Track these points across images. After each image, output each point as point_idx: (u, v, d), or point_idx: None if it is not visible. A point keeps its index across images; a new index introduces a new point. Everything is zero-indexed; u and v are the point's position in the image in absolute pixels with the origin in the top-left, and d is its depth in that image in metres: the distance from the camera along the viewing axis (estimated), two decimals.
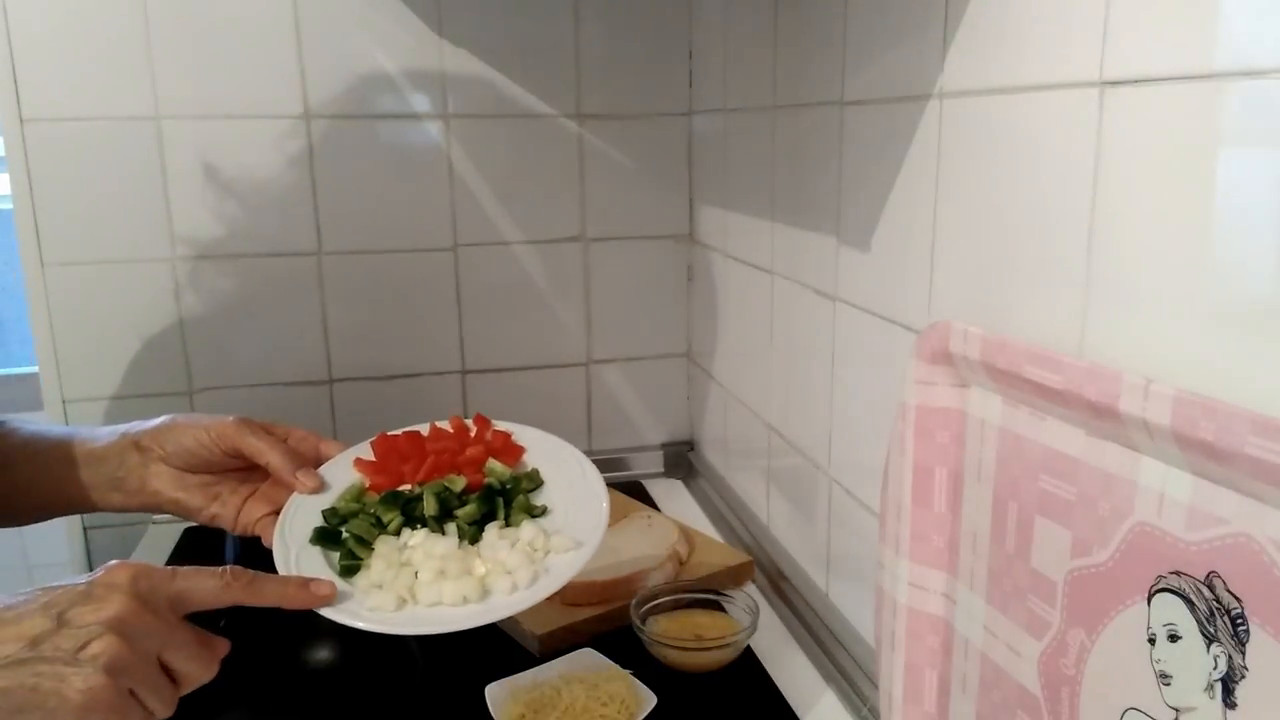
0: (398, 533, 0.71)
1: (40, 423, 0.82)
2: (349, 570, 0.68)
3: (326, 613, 0.64)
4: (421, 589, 0.66)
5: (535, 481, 0.76)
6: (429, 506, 0.71)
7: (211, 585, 0.61)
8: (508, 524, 0.72)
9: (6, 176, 1.14)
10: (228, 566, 0.63)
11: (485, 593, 0.66)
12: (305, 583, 0.65)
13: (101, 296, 1.18)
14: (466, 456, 0.76)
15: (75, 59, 1.12)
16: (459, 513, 0.72)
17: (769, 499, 1.10)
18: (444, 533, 0.71)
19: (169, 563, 1.12)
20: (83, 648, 0.54)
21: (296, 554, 0.69)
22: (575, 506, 0.73)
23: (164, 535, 1.19)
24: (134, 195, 1.16)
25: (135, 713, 0.56)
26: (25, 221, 1.15)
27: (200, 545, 1.16)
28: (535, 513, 0.73)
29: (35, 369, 1.19)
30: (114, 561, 0.59)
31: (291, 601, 0.64)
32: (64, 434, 0.78)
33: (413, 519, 0.72)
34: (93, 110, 1.14)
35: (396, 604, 0.65)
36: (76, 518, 1.24)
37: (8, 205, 1.15)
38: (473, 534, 0.70)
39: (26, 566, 1.67)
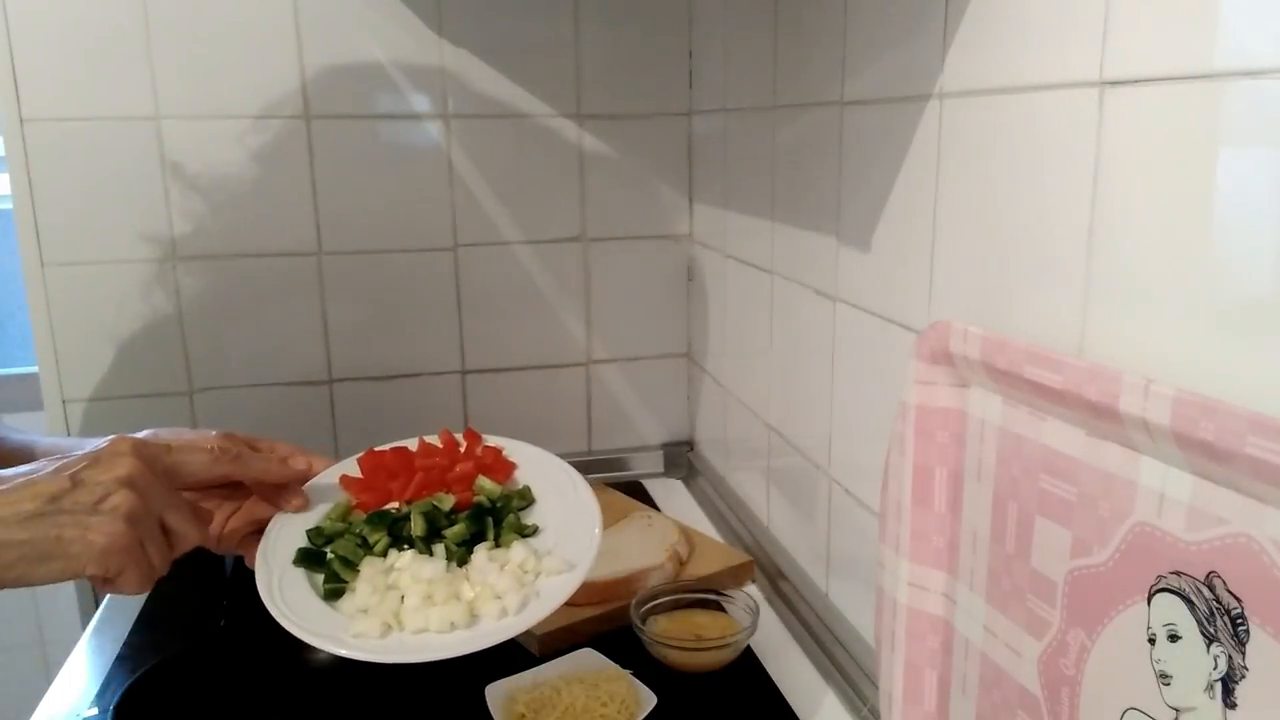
0: (384, 554, 0.70)
1: (28, 431, 0.81)
2: (333, 594, 0.67)
3: (309, 639, 0.63)
4: (408, 614, 0.64)
5: (526, 499, 0.75)
6: (416, 527, 0.70)
7: (202, 459, 0.68)
8: (497, 544, 0.70)
9: (6, 176, 1.14)
10: (215, 442, 0.71)
11: (473, 618, 0.65)
12: (284, 459, 0.74)
13: (101, 296, 1.18)
14: (456, 473, 0.75)
15: (75, 59, 1.12)
16: (447, 533, 0.70)
17: (769, 499, 1.10)
18: (432, 553, 0.69)
19: (170, 569, 1.11)
20: (101, 500, 0.60)
21: (280, 577, 0.68)
22: (567, 526, 0.71)
23: None
24: (134, 195, 1.16)
25: (143, 563, 0.62)
26: (25, 221, 1.15)
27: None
28: (526, 532, 0.71)
29: (35, 369, 1.19)
30: (114, 435, 0.65)
31: (274, 475, 0.73)
32: (49, 445, 0.77)
33: (400, 539, 0.71)
34: (93, 110, 1.14)
35: (382, 630, 0.63)
36: None
37: (8, 205, 1.15)
38: (461, 555, 0.69)
39: None
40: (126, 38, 1.13)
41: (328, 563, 0.69)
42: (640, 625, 0.87)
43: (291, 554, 0.70)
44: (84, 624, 1.07)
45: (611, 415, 1.37)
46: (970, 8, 0.63)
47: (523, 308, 1.31)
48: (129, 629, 0.97)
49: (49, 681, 0.88)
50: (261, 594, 0.66)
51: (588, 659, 0.84)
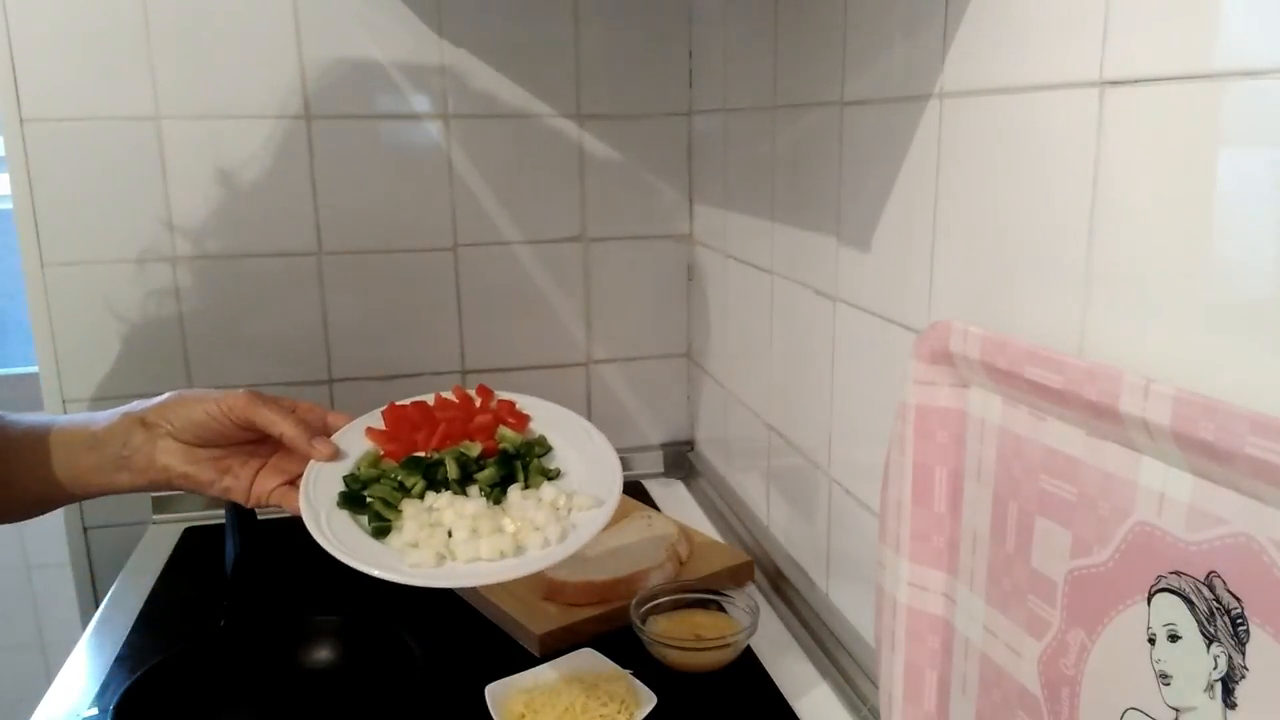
0: (421, 496, 0.72)
1: (31, 414, 0.82)
2: (381, 531, 0.69)
3: (367, 569, 0.65)
4: (459, 546, 0.67)
5: (545, 447, 0.77)
6: (451, 470, 0.73)
7: None
8: (526, 486, 0.73)
9: (6, 176, 1.14)
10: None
11: (520, 549, 0.67)
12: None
13: (101, 296, 1.18)
14: (476, 424, 0.77)
15: (75, 59, 1.12)
16: (479, 476, 0.73)
17: (769, 499, 1.09)
18: (467, 495, 0.72)
19: (169, 563, 1.12)
20: None
21: (326, 516, 0.70)
22: (589, 468, 0.74)
23: (165, 535, 1.19)
24: (134, 195, 1.16)
25: None
26: (25, 221, 1.15)
27: (201, 545, 1.16)
28: (551, 475, 0.74)
29: (35, 369, 1.19)
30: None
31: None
32: (60, 421, 0.78)
33: (434, 483, 0.73)
34: (93, 110, 1.14)
35: (436, 560, 0.66)
36: (77, 518, 1.24)
37: (8, 205, 1.15)
38: (496, 496, 0.72)
39: (27, 567, 1.67)
40: (126, 38, 1.13)
41: (369, 504, 0.71)
42: (640, 625, 0.87)
43: (333, 497, 0.72)
44: (84, 624, 1.07)
45: (611, 415, 1.37)
46: (970, 8, 0.63)
47: (523, 308, 1.31)
48: (129, 629, 0.97)
49: (49, 681, 0.88)
50: (313, 533, 0.68)
51: (588, 659, 0.84)
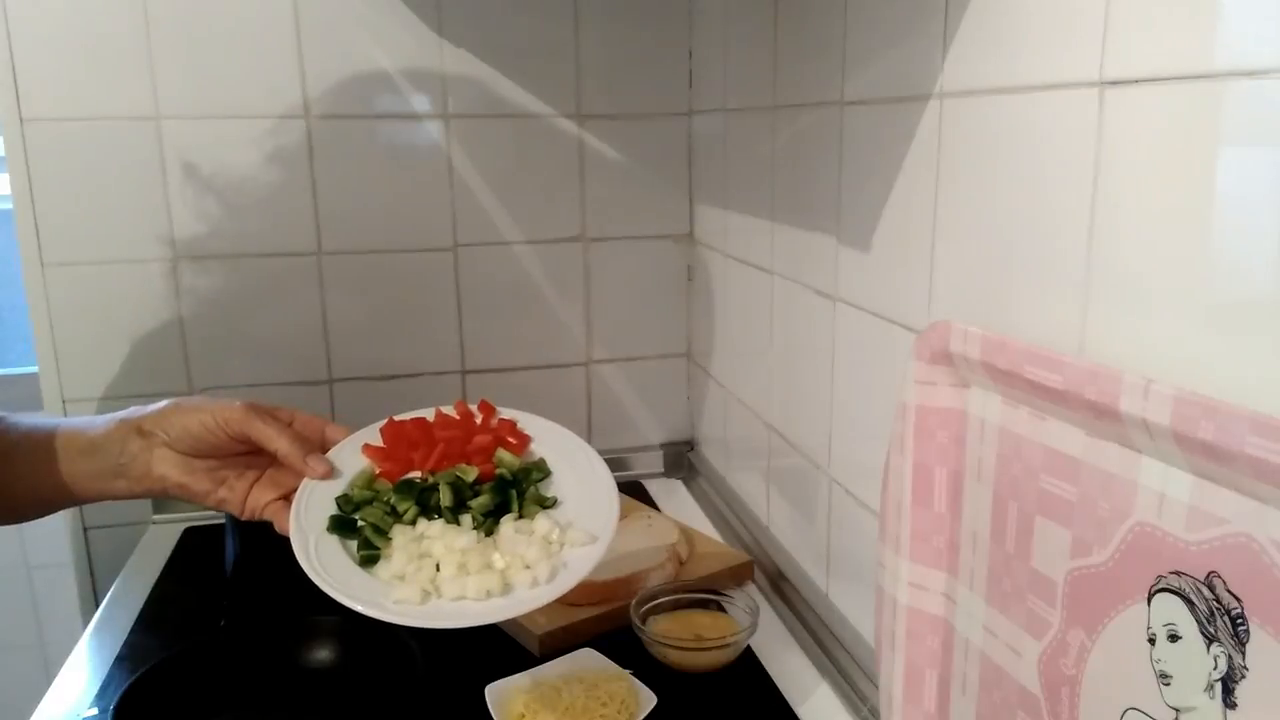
0: (413, 523, 0.71)
1: (33, 415, 0.81)
2: (369, 560, 0.69)
3: (351, 604, 0.64)
4: (445, 583, 0.66)
5: (543, 471, 0.76)
6: (445, 497, 0.72)
7: None
8: (521, 515, 0.72)
9: (6, 176, 1.14)
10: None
11: (507, 587, 0.66)
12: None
13: (101, 296, 1.18)
14: (475, 444, 0.76)
15: (75, 59, 1.12)
16: (473, 504, 0.72)
17: (769, 499, 1.10)
18: (459, 523, 0.71)
19: (169, 563, 1.12)
20: None
21: (315, 542, 0.69)
22: (585, 498, 0.73)
23: (164, 535, 1.19)
24: (134, 195, 1.16)
25: None
26: (25, 221, 1.15)
27: (201, 545, 1.15)
28: (546, 504, 0.73)
29: (35, 369, 1.19)
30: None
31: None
32: (60, 425, 0.78)
33: (427, 508, 0.72)
34: (93, 110, 1.14)
35: (421, 597, 0.65)
36: (78, 518, 1.24)
37: (8, 205, 1.15)
38: (489, 526, 0.71)
39: (26, 567, 1.67)
40: (126, 38, 1.13)
41: (359, 530, 0.70)
42: (640, 625, 0.87)
43: (324, 520, 0.71)
44: (84, 624, 1.07)
45: (611, 415, 1.37)
46: (970, 8, 0.63)
47: (523, 308, 1.31)
48: (129, 629, 0.97)
49: (49, 681, 0.89)
50: (300, 560, 0.67)
51: (588, 659, 0.84)
